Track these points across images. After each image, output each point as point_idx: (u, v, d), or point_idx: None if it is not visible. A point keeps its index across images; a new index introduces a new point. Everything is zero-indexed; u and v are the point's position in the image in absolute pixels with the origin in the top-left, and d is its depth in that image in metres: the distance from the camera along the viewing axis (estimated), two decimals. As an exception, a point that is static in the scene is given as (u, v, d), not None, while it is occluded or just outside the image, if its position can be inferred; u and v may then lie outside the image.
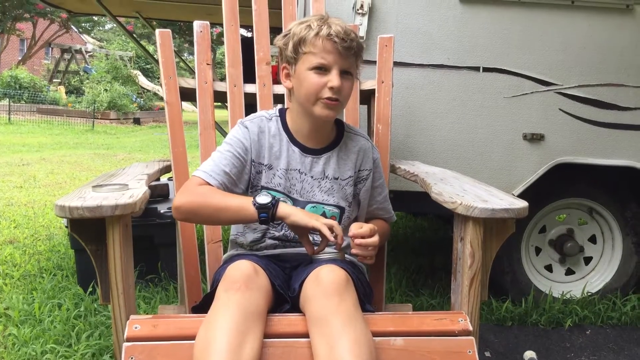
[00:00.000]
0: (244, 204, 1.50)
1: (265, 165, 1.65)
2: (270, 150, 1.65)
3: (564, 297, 2.83)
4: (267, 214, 1.48)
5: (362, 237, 1.50)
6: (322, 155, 1.67)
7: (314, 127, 1.64)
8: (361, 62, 1.63)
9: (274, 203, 1.48)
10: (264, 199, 1.48)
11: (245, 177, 1.64)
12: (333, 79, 1.53)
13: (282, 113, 1.70)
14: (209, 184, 1.55)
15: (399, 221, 4.63)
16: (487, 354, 2.39)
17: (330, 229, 1.47)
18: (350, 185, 1.71)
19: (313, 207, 1.66)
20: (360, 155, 1.72)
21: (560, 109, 2.57)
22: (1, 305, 2.62)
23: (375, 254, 1.55)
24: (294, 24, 1.60)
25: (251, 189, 1.66)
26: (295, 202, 1.65)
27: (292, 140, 1.66)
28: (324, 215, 1.66)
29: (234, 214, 1.52)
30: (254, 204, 1.48)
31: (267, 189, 1.64)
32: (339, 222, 1.68)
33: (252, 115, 1.71)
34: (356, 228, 1.53)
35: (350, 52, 1.53)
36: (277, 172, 1.65)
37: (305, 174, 1.66)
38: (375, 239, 1.52)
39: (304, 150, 1.66)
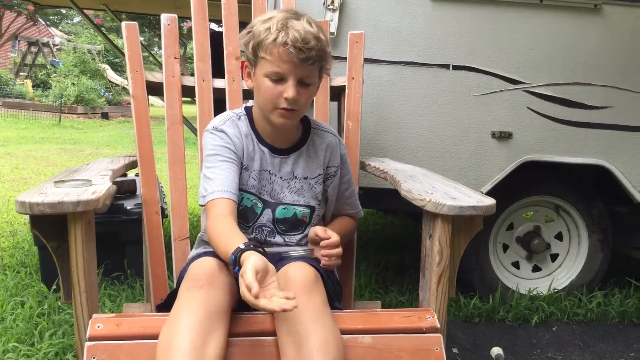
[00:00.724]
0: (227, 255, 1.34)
1: (243, 167, 1.61)
2: (247, 150, 1.61)
3: (531, 294, 2.86)
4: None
5: (328, 246, 1.52)
6: (290, 156, 1.64)
7: (276, 129, 1.60)
8: (326, 66, 1.55)
9: (237, 270, 1.28)
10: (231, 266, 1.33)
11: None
12: (288, 90, 1.46)
13: (249, 112, 1.66)
14: (231, 200, 1.50)
15: (369, 218, 4.64)
16: (455, 350, 2.41)
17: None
18: (319, 183, 1.69)
19: (284, 208, 1.64)
20: (328, 152, 1.70)
21: (528, 107, 2.59)
22: (-39, 304, 2.55)
23: (338, 262, 1.57)
24: (257, 20, 1.52)
25: None
26: (265, 204, 1.63)
27: (260, 140, 1.62)
28: (294, 216, 1.65)
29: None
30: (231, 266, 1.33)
31: (242, 190, 1.60)
32: (309, 221, 1.67)
33: (221, 117, 1.64)
34: (322, 233, 1.53)
35: (307, 62, 1.45)
36: (251, 173, 1.61)
37: (275, 175, 1.64)
38: (339, 250, 1.55)
39: (273, 150, 1.63)
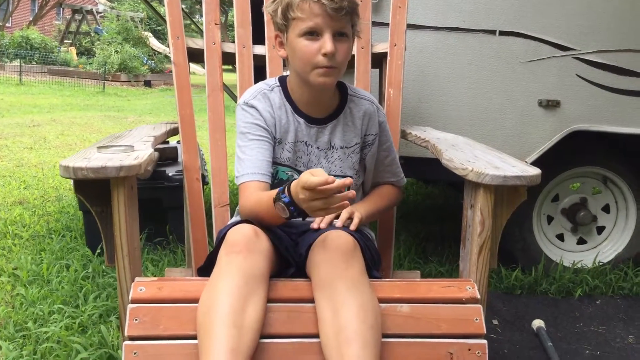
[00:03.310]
0: (277, 216, 1.38)
1: (277, 140, 1.60)
2: (280, 123, 1.59)
3: (575, 267, 2.81)
4: (302, 216, 1.35)
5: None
6: (327, 125, 1.62)
7: (314, 95, 1.57)
8: (357, 22, 1.51)
9: (293, 210, 1.32)
10: (282, 211, 1.34)
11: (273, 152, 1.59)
12: (326, 44, 1.42)
13: (283, 82, 1.63)
14: (262, 182, 1.51)
15: (409, 188, 4.61)
16: (495, 322, 2.38)
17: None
18: (356, 152, 1.66)
19: None
20: (366, 120, 1.66)
21: (577, 75, 2.51)
22: (10, 265, 2.64)
23: (355, 221, 1.53)
24: None
25: None
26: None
27: (296, 110, 1.60)
28: None
29: (278, 221, 1.42)
30: (286, 216, 1.35)
31: (276, 163, 1.59)
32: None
33: (252, 90, 1.62)
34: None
35: (341, 12, 1.41)
36: (285, 145, 1.60)
37: (312, 146, 1.61)
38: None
39: (309, 120, 1.60)
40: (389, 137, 1.75)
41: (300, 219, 1.39)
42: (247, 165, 1.53)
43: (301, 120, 1.60)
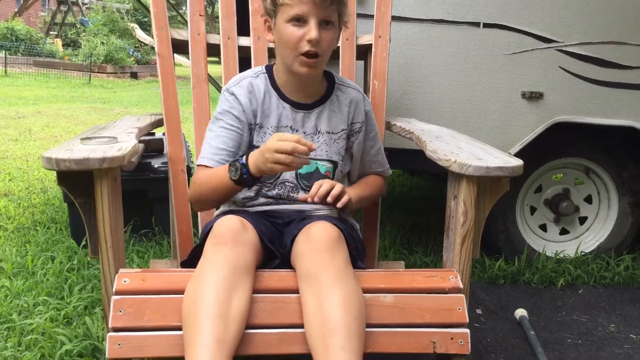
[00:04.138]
0: (227, 181, 1.49)
1: (257, 125, 1.61)
2: (261, 108, 1.61)
3: (558, 257, 2.84)
4: (249, 181, 1.47)
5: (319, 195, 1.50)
6: (313, 110, 1.64)
7: (300, 83, 1.60)
8: (345, 12, 1.55)
9: (245, 171, 1.45)
10: (234, 172, 1.46)
11: (244, 143, 1.61)
12: (310, 31, 1.46)
13: (269, 69, 1.65)
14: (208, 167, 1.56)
15: (395, 179, 4.63)
16: (479, 311, 2.41)
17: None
18: (342, 139, 1.68)
19: None
20: (352, 107, 1.69)
21: (560, 67, 2.53)
22: (-5, 258, 2.63)
23: (343, 198, 1.53)
24: None
25: (249, 149, 1.62)
26: None
27: (282, 96, 1.62)
28: (317, 171, 1.64)
29: (229, 190, 1.52)
30: (232, 180, 1.47)
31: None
32: (332, 177, 1.67)
33: (237, 77, 1.66)
34: (315, 188, 1.51)
35: (327, 1, 1.45)
36: (267, 130, 1.61)
37: (297, 131, 1.63)
38: (335, 190, 1.50)
39: (295, 105, 1.62)
40: (375, 126, 1.78)
41: (247, 187, 1.52)
42: (208, 151, 1.58)
43: (287, 106, 1.62)
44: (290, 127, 1.62)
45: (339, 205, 1.53)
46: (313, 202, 1.51)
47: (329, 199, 1.51)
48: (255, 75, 1.64)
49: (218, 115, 1.61)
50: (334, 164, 1.67)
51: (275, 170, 1.40)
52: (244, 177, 1.45)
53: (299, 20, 1.47)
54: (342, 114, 1.67)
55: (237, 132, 1.59)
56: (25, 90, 11.08)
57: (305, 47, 1.47)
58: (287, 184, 1.63)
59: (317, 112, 1.64)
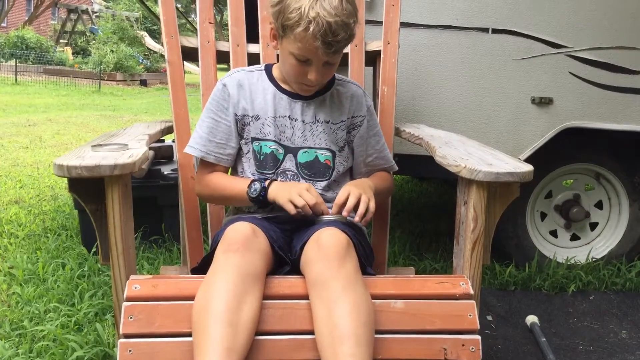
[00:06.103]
0: (242, 195, 1.58)
1: (252, 117, 1.64)
2: (254, 101, 1.64)
3: (568, 263, 2.82)
4: (261, 202, 1.56)
5: (348, 210, 1.52)
6: (313, 100, 1.66)
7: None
8: (350, 42, 1.55)
9: (263, 194, 1.55)
10: (254, 189, 1.56)
11: (233, 135, 1.65)
12: (312, 72, 1.52)
13: (268, 67, 1.70)
14: (199, 157, 1.66)
15: (404, 185, 4.62)
16: (489, 317, 2.40)
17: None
18: (342, 129, 1.69)
19: (305, 152, 1.65)
20: (354, 101, 1.70)
21: (570, 72, 2.52)
22: (5, 265, 2.64)
23: (367, 215, 1.54)
24: None
25: (243, 141, 1.67)
26: (286, 149, 1.64)
27: (279, 88, 1.65)
28: (317, 159, 1.65)
29: (239, 202, 1.65)
30: (249, 196, 1.57)
31: (258, 139, 1.64)
32: (333, 166, 1.67)
33: (235, 69, 1.71)
34: (339, 199, 1.53)
35: (332, 49, 1.47)
36: (265, 121, 1.64)
37: (296, 120, 1.64)
38: (362, 208, 1.52)
39: (293, 96, 1.65)
40: (377, 122, 1.80)
41: (258, 205, 1.60)
42: (197, 140, 1.66)
43: (284, 97, 1.65)
44: (289, 116, 1.64)
45: (364, 223, 1.55)
46: (339, 214, 1.54)
47: (356, 219, 1.52)
48: (251, 70, 1.69)
49: (208, 105, 1.67)
50: (333, 153, 1.67)
51: (286, 208, 1.51)
52: (260, 199, 1.55)
53: (303, 60, 1.51)
54: (342, 105, 1.69)
55: (225, 124, 1.64)
56: (35, 98, 11.17)
57: (306, 82, 1.55)
58: (287, 172, 1.65)
59: (318, 101, 1.66)
